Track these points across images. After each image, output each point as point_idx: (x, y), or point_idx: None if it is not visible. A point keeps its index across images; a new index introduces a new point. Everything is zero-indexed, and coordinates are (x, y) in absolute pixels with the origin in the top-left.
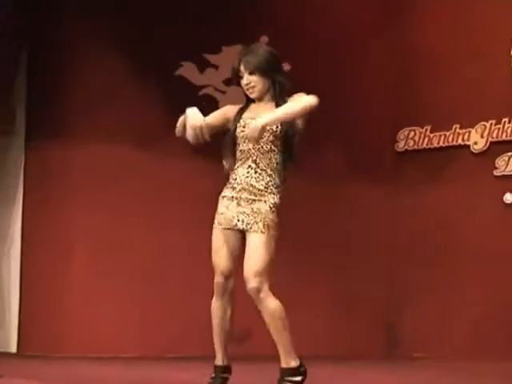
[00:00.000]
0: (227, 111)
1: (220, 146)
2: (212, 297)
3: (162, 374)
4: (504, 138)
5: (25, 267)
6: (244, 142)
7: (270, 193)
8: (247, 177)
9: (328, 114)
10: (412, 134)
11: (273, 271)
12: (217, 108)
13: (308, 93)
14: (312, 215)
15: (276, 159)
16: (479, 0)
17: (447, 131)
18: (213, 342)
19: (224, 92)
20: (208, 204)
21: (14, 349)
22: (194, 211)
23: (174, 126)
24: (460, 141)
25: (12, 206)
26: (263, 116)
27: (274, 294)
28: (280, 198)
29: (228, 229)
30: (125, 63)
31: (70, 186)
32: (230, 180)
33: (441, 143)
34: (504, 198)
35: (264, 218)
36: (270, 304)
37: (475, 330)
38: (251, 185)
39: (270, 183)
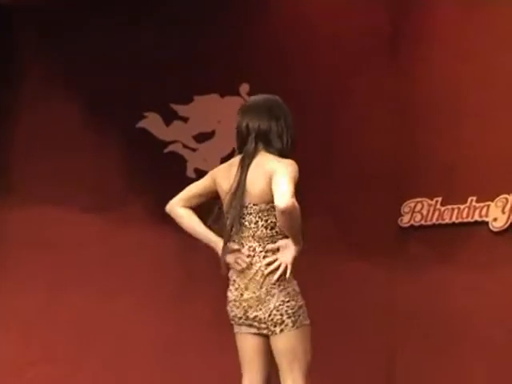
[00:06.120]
0: None
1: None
2: None
3: None
4: None
5: None
6: None
7: None
8: None
9: (318, 180)
10: (419, 206)
11: None
12: (185, 168)
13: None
14: (303, 293)
15: None
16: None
17: (461, 204)
18: None
19: (194, 149)
20: (170, 271)
21: None
22: (153, 280)
23: (134, 187)
24: (477, 216)
25: None
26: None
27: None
28: None
29: None
30: (77, 112)
31: (3, 253)
32: None
33: (453, 218)
34: None
35: None
36: None
37: None
38: None
39: None
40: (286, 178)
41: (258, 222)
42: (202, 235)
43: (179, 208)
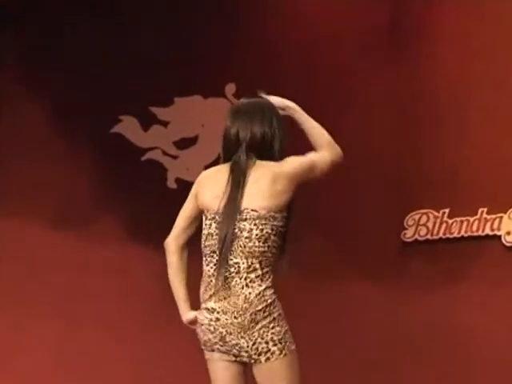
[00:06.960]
0: None
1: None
2: None
3: None
4: None
5: None
6: None
7: None
8: None
9: (313, 187)
10: (424, 218)
11: None
12: (165, 177)
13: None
14: (301, 311)
15: None
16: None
17: (471, 216)
18: None
19: (175, 157)
20: (146, 291)
21: None
22: (125, 305)
23: (109, 199)
24: (488, 230)
25: None
26: None
27: None
28: None
29: None
30: (46, 115)
31: None
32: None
33: (462, 232)
34: None
35: None
36: None
37: None
38: None
39: None
40: (307, 157)
41: (251, 230)
42: (176, 294)
43: (173, 252)
